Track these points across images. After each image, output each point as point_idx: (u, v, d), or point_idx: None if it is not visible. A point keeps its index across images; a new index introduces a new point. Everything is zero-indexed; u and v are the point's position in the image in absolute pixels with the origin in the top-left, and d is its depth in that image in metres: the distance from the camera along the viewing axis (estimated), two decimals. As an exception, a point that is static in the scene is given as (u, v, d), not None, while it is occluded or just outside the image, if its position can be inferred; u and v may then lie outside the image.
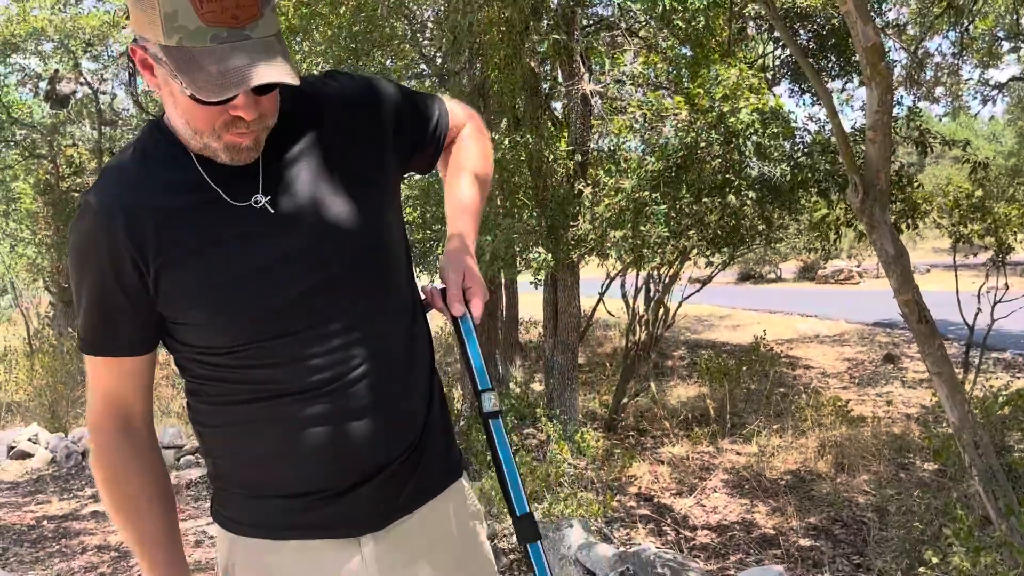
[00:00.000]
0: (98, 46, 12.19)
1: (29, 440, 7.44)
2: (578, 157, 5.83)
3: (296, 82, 1.06)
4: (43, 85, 12.38)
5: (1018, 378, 7.68)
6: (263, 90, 1.09)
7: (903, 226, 5.04)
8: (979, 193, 5.97)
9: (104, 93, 12.92)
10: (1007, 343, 9.04)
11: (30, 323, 13.56)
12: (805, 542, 4.37)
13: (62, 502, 6.02)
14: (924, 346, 2.87)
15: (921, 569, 2.85)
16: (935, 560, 2.76)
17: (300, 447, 1.20)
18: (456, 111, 1.45)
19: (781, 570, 3.41)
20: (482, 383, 1.27)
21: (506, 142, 5.84)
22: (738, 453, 6.04)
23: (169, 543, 1.27)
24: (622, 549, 4.02)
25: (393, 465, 1.24)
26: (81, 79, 12.30)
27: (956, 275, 6.24)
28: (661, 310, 6.88)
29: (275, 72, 1.04)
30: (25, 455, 7.29)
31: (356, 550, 1.26)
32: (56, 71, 12.02)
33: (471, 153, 1.43)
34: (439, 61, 7.78)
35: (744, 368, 8.05)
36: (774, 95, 5.57)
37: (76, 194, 12.63)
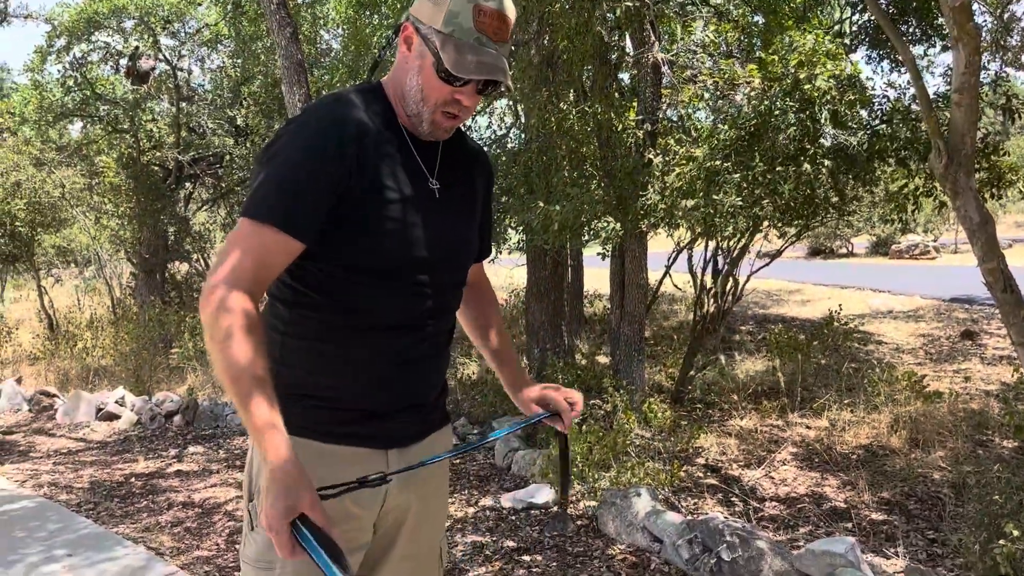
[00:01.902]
0: (176, 23, 12.53)
1: (116, 402, 7.81)
2: (647, 127, 5.78)
3: (511, 89, 1.62)
4: (123, 62, 12.79)
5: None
6: (483, 90, 1.51)
7: (987, 195, 4.85)
8: (1069, 162, 5.72)
9: (182, 70, 13.29)
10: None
11: (114, 292, 14.16)
12: (877, 516, 4.31)
13: (148, 461, 6.31)
14: (1008, 316, 2.80)
15: (1000, 542, 2.80)
16: (1016, 533, 2.70)
17: (375, 372, 1.54)
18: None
19: (853, 541, 3.38)
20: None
21: (574, 112, 5.83)
22: (808, 427, 5.97)
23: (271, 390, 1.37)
24: (690, 517, 4.04)
25: (427, 401, 1.64)
26: (160, 56, 12.67)
27: (1042, 248, 6.01)
28: (730, 283, 6.80)
29: (504, 77, 1.48)
30: (112, 416, 7.66)
31: (383, 461, 1.57)
32: (136, 48, 12.40)
33: (500, 318, 1.91)
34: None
35: (815, 343, 7.91)
36: (851, 62, 5.41)
37: (156, 168, 13.06)
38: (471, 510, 4.72)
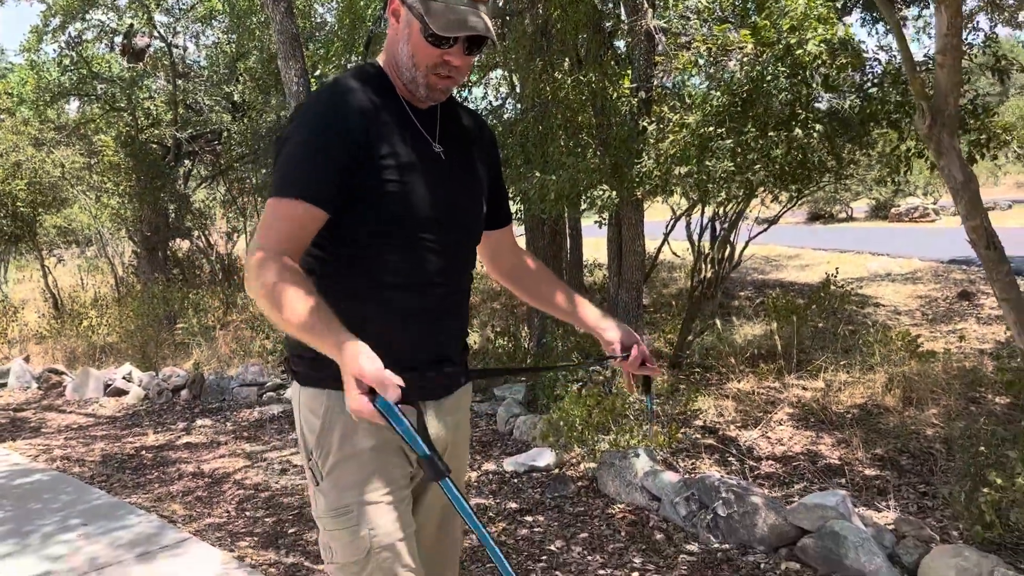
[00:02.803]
0: (169, -1, 12.49)
1: (123, 378, 7.92)
2: (642, 94, 5.81)
3: (497, 44, 1.62)
4: (118, 40, 12.76)
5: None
6: (472, 49, 1.60)
7: (977, 156, 4.90)
8: (1063, 121, 5.74)
9: (177, 47, 13.25)
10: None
11: (116, 271, 14.25)
12: (871, 472, 4.42)
13: (157, 434, 6.44)
14: (992, 272, 2.87)
15: (985, 490, 2.89)
16: (999, 481, 2.80)
17: (407, 329, 1.66)
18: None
19: (844, 494, 3.49)
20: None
21: (569, 81, 5.86)
22: (804, 388, 6.06)
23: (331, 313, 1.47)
24: (687, 476, 4.15)
25: (453, 356, 1.76)
26: (155, 33, 12.63)
27: (1035, 207, 6.07)
28: (727, 248, 6.86)
29: (488, 33, 1.56)
30: (121, 392, 7.78)
31: (418, 413, 1.66)
32: (131, 25, 12.37)
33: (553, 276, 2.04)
34: (500, 2, 7.76)
35: (812, 306, 7.99)
36: (844, 24, 5.43)
37: (155, 145, 13.08)
38: (474, 474, 4.84)
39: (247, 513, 4.49)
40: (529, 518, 4.12)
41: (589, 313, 1.94)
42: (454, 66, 1.60)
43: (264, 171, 13.94)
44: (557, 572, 3.50)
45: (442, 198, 1.66)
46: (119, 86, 12.75)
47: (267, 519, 4.36)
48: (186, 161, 14.06)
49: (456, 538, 1.92)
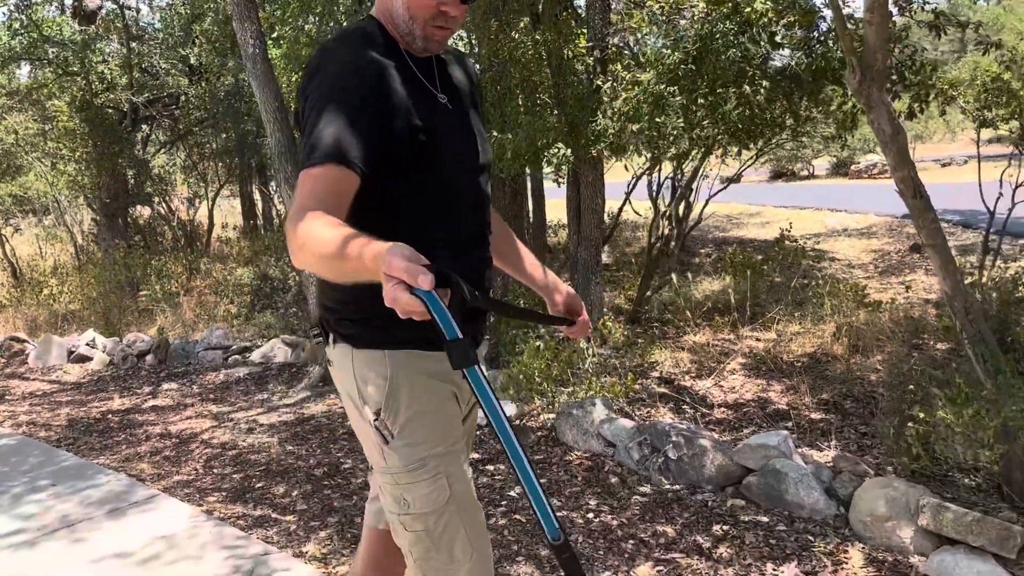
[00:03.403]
0: (120, -41, 12.20)
1: (87, 345, 7.92)
2: (597, 53, 5.88)
3: None
4: (69, 1, 12.46)
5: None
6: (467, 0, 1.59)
7: (917, 110, 5.07)
8: (1007, 76, 5.90)
9: (129, 8, 12.98)
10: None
11: (76, 239, 14.07)
12: (816, 415, 4.64)
13: (123, 399, 6.48)
14: (919, 220, 3.03)
15: (910, 424, 3.08)
16: (922, 415, 2.98)
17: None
18: None
19: (786, 434, 3.68)
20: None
21: (527, 41, 5.90)
22: (757, 340, 6.27)
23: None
24: (641, 423, 4.33)
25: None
26: (106, -6, 12.35)
27: (979, 161, 6.27)
28: (683, 205, 7.01)
29: None
30: (84, 358, 7.78)
31: None
32: (81, -13, 12.08)
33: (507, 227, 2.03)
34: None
35: (769, 262, 8.20)
36: (794, -18, 5.52)
37: (111, 110, 12.86)
38: (437, 428, 4.97)
39: (215, 470, 4.59)
40: (491, 467, 4.27)
41: (538, 273, 1.98)
42: (451, 16, 1.58)
43: (224, 136, 13.81)
44: (516, 516, 3.66)
45: (451, 151, 1.65)
46: (71, 50, 12.46)
47: (235, 475, 4.46)
48: (144, 126, 13.83)
49: None
